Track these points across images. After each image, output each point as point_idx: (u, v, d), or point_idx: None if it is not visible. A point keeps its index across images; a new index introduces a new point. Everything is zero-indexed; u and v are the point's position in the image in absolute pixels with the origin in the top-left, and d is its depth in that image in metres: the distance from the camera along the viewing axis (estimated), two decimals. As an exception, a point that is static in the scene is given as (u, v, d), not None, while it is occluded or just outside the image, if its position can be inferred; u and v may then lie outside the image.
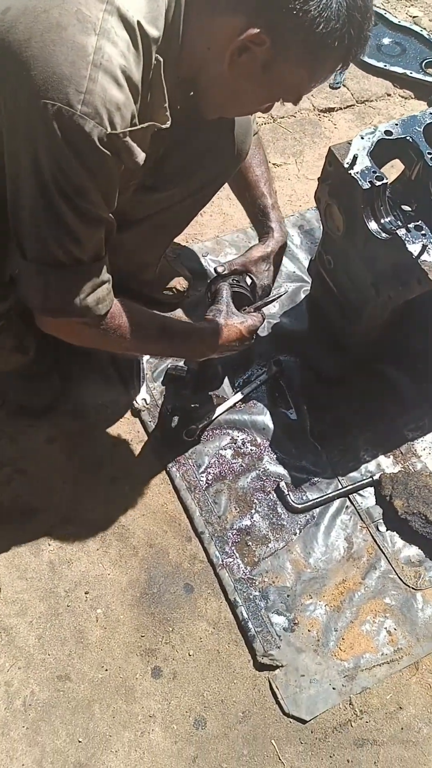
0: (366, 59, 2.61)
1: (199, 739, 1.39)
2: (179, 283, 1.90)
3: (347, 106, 2.51)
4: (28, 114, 1.00)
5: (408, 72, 2.59)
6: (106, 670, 1.45)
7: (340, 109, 2.49)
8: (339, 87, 2.55)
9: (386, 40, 2.71)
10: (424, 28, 2.80)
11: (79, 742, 1.37)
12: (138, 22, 1.03)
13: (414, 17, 2.92)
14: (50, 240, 1.11)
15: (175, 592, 1.55)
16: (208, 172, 1.50)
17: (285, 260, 2.06)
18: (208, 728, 1.40)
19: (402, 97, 2.57)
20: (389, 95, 2.57)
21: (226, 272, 1.65)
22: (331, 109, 2.48)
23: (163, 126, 1.13)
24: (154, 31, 1.07)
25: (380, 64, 2.60)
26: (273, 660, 1.46)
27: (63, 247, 1.12)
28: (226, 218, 2.14)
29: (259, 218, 1.75)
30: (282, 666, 1.46)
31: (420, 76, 2.58)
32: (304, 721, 1.41)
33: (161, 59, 1.09)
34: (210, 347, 1.51)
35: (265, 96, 1.22)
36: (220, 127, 1.42)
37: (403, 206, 1.72)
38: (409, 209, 1.71)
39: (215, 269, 1.67)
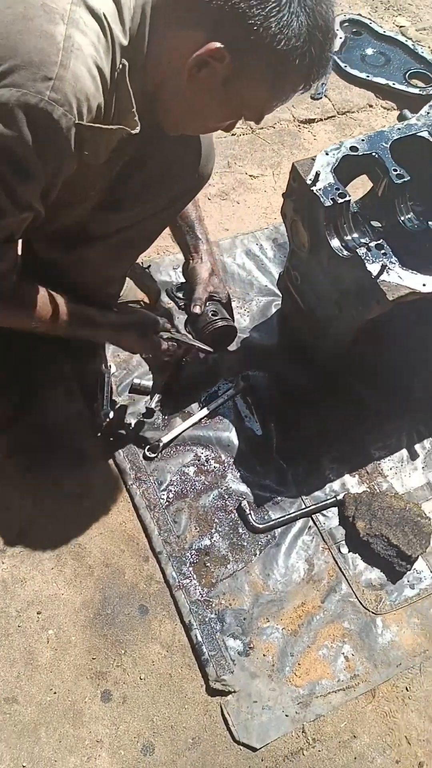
0: (348, 69, 2.59)
1: (146, 765, 1.36)
2: (145, 298, 1.88)
3: (328, 117, 2.48)
4: None
5: (391, 83, 2.56)
6: (55, 692, 1.42)
7: (321, 120, 2.47)
8: (320, 98, 2.52)
9: (370, 51, 2.69)
10: (410, 38, 2.78)
11: (24, 766, 1.34)
12: (105, 16, 1.02)
13: (401, 27, 2.90)
14: None
15: (130, 613, 1.52)
16: (170, 193, 1.48)
17: (257, 273, 2.04)
18: (156, 754, 1.37)
19: (384, 108, 2.55)
20: (371, 106, 2.54)
21: (200, 309, 1.68)
22: (311, 120, 2.46)
23: (133, 132, 1.11)
24: (121, 34, 1.06)
25: (363, 75, 2.58)
26: (225, 685, 1.43)
27: None
28: (199, 230, 2.11)
29: (185, 230, 1.76)
30: (234, 692, 1.43)
31: (403, 87, 2.56)
32: (254, 749, 1.38)
33: (126, 63, 1.07)
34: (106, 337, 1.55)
35: (225, 113, 1.20)
36: (181, 146, 1.40)
37: (372, 222, 1.69)
38: (379, 225, 1.69)
39: (192, 308, 1.69)
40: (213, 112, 1.19)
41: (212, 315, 1.71)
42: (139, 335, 1.55)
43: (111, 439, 1.71)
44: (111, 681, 1.44)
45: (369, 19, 2.79)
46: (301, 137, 2.40)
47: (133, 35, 1.07)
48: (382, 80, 2.57)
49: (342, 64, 2.60)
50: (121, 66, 1.07)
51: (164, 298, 1.95)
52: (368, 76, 2.58)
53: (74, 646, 1.47)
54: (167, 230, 1.75)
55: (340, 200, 1.46)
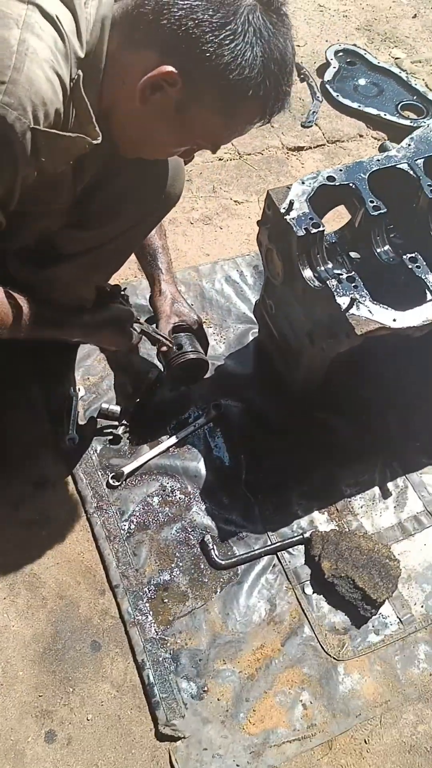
0: (340, 99, 2.58)
1: None
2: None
3: (317, 146, 2.47)
4: None
5: (382, 114, 2.55)
6: (-3, 731, 1.36)
7: (310, 148, 2.45)
8: (311, 126, 2.51)
9: (363, 81, 2.68)
10: (404, 70, 2.78)
11: None
12: (62, 24, 1.00)
13: (396, 59, 2.90)
14: None
15: (81, 649, 1.46)
16: (135, 213, 1.46)
17: (236, 300, 2.01)
18: (98, 803, 1.31)
19: (375, 138, 2.53)
20: (362, 136, 2.53)
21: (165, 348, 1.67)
22: (300, 148, 2.44)
23: (94, 142, 1.08)
24: (78, 46, 1.03)
25: (354, 105, 2.57)
26: (175, 730, 1.36)
27: None
28: (180, 254, 2.09)
29: (148, 259, 1.76)
30: (184, 737, 1.36)
31: (394, 118, 2.54)
32: (201, 801, 1.31)
33: (81, 74, 1.04)
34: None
35: (179, 139, 1.17)
36: (147, 166, 1.37)
37: (351, 253, 1.66)
38: (358, 256, 1.66)
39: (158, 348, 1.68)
40: (165, 137, 1.16)
41: (177, 349, 1.68)
42: (116, 330, 1.51)
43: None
44: (57, 720, 1.38)
45: (364, 49, 2.79)
46: (288, 164, 2.39)
47: (90, 50, 1.05)
48: (373, 110, 2.56)
49: (334, 94, 2.59)
50: (76, 76, 1.04)
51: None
52: (360, 106, 2.57)
53: (21, 682, 1.41)
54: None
55: (314, 230, 1.43)
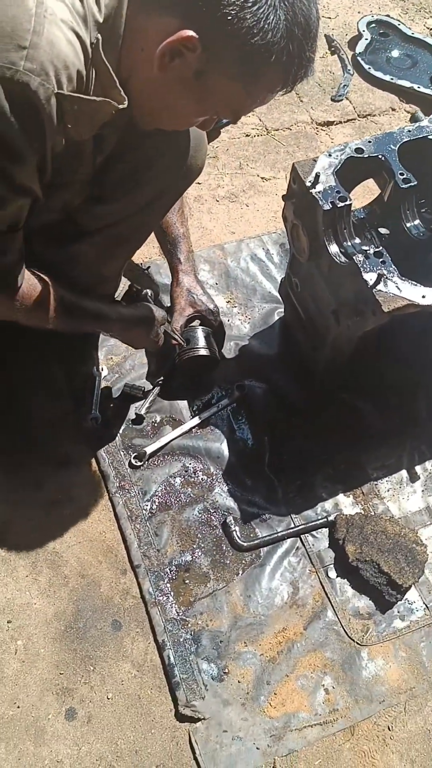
0: (372, 71, 2.50)
1: (107, 792, 1.30)
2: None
3: (347, 120, 2.39)
4: None
5: (416, 86, 2.46)
6: (18, 707, 1.36)
7: (340, 123, 2.38)
8: (341, 99, 2.44)
9: (396, 53, 2.59)
10: (440, 41, 2.67)
11: (-21, 784, 1.29)
12: None
13: (431, 29, 2.79)
14: None
15: (102, 628, 1.45)
16: (154, 186, 1.42)
17: (261, 279, 1.97)
18: (118, 781, 1.31)
19: (407, 112, 2.45)
20: (394, 110, 2.45)
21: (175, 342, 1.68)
22: (329, 123, 2.37)
23: (120, 106, 1.05)
24: (96, 10, 1.00)
25: (387, 77, 2.49)
26: (195, 711, 1.36)
27: None
28: (205, 232, 2.05)
29: (168, 248, 1.75)
30: (204, 719, 1.35)
31: (428, 90, 2.46)
32: (221, 783, 1.30)
33: (100, 37, 1.01)
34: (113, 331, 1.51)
35: (198, 109, 1.13)
36: (167, 139, 1.34)
37: (380, 229, 1.61)
38: (387, 232, 1.60)
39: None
40: (185, 106, 1.12)
41: (186, 344, 1.69)
42: (147, 330, 1.52)
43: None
44: (77, 698, 1.38)
45: (398, 20, 2.70)
46: (318, 140, 2.32)
47: (108, 13, 1.01)
48: (406, 83, 2.47)
49: (366, 66, 2.51)
50: (95, 40, 1.01)
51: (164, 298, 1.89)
52: (392, 79, 2.48)
53: (42, 659, 1.41)
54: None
55: (340, 204, 1.38)
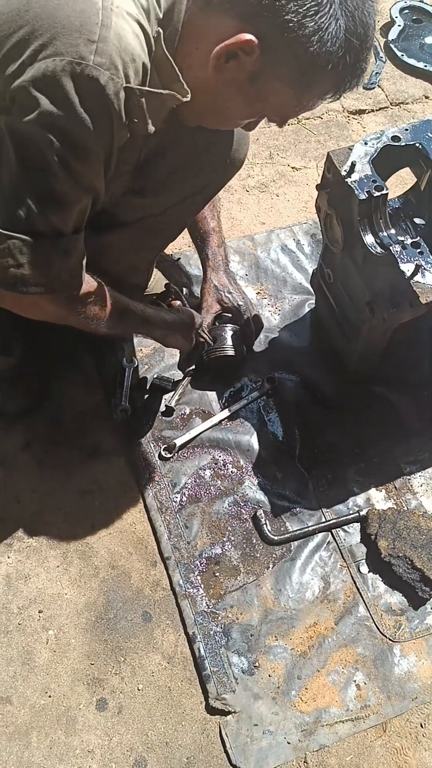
0: (405, 59, 2.45)
1: (137, 782, 1.30)
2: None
3: (380, 108, 2.35)
4: (32, 75, 0.92)
5: (450, 73, 2.41)
6: (50, 696, 1.37)
7: (372, 111, 2.34)
8: (373, 87, 2.39)
9: (430, 39, 2.53)
10: (475, 27, 2.60)
11: (11, 771, 1.30)
12: None
13: (466, 15, 2.72)
14: (32, 206, 1.02)
15: (132, 619, 1.45)
16: (198, 180, 1.41)
17: (292, 270, 1.95)
18: (148, 772, 1.31)
19: (441, 100, 2.40)
20: (427, 98, 2.39)
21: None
22: (361, 111, 2.33)
23: (184, 99, 1.05)
24: (156, 4, 1.00)
25: (420, 65, 2.43)
26: (226, 704, 1.35)
27: (45, 215, 1.03)
28: (234, 223, 2.03)
29: (198, 243, 1.75)
30: (235, 712, 1.35)
31: (463, 77, 2.40)
32: (251, 776, 1.30)
33: (161, 31, 1.01)
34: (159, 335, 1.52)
35: (247, 111, 1.13)
36: (212, 133, 1.32)
37: (416, 219, 1.58)
38: (423, 222, 1.57)
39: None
40: (234, 108, 1.11)
41: (213, 342, 1.69)
42: (185, 335, 1.54)
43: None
44: (108, 689, 1.38)
45: (429, 4, 2.64)
46: (349, 129, 2.29)
47: (168, 8, 1.01)
48: (441, 70, 2.42)
49: (399, 53, 2.46)
50: (156, 34, 1.00)
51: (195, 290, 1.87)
52: (426, 66, 2.43)
53: (73, 650, 1.42)
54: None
55: (377, 193, 1.35)
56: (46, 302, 1.17)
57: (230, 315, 1.74)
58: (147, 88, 0.99)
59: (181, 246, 1.94)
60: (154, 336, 1.52)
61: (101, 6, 0.92)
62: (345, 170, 1.38)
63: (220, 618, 1.45)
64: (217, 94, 1.07)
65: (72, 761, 1.31)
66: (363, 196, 1.35)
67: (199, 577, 1.49)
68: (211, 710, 1.36)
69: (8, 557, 1.51)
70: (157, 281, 1.76)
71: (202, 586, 1.48)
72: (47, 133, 0.95)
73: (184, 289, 1.81)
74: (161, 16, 1.01)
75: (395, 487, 1.62)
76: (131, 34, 0.95)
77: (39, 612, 1.46)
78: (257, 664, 1.40)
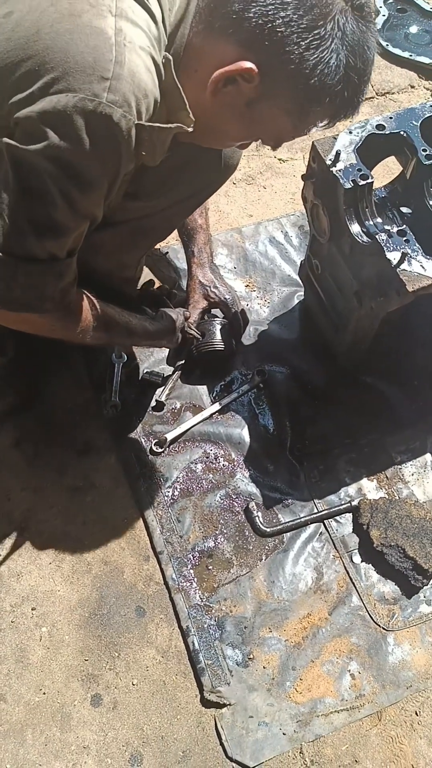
0: (390, 48, 2.44)
1: (133, 777, 1.30)
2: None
3: (366, 99, 2.31)
4: (42, 108, 0.91)
5: (436, 62, 2.40)
6: (44, 693, 1.37)
7: (358, 101, 2.33)
8: (359, 78, 2.38)
9: (415, 29, 2.53)
10: (459, 16, 2.60)
11: (7, 768, 1.30)
12: (149, 4, 0.97)
13: (451, 4, 2.72)
14: (29, 233, 1.02)
15: (126, 614, 1.45)
16: (192, 185, 1.41)
17: (280, 262, 1.94)
18: (144, 766, 1.31)
19: (427, 89, 2.39)
20: (413, 87, 2.39)
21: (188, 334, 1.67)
22: (347, 102, 2.32)
23: (189, 129, 1.05)
24: (163, 28, 1.00)
25: (405, 54, 2.43)
26: (220, 697, 1.35)
27: (42, 243, 1.03)
28: (222, 216, 2.02)
29: (184, 239, 1.75)
30: (230, 704, 1.35)
31: (448, 66, 2.39)
32: (247, 767, 1.30)
33: (171, 57, 1.00)
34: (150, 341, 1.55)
35: (243, 133, 1.13)
36: None
37: (402, 208, 1.57)
38: (409, 211, 1.57)
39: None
40: (229, 131, 1.12)
41: (202, 337, 1.69)
42: (171, 336, 1.55)
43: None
44: (102, 685, 1.38)
45: (416, -6, 2.63)
46: (335, 119, 2.27)
47: (171, 32, 1.01)
48: (426, 59, 2.41)
49: (384, 43, 2.46)
50: (164, 60, 1.00)
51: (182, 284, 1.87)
52: (411, 56, 2.43)
53: (67, 646, 1.42)
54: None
55: (362, 182, 1.35)
56: (35, 318, 1.17)
57: (217, 310, 1.74)
58: (158, 125, 0.99)
59: (169, 240, 1.93)
60: (141, 345, 1.53)
61: (114, 42, 0.91)
62: (330, 159, 1.38)
63: (213, 611, 1.44)
64: (213, 116, 1.07)
65: (68, 757, 1.31)
66: (348, 185, 1.35)
67: (192, 571, 1.49)
68: (206, 703, 1.36)
69: (0, 555, 1.51)
70: (145, 274, 1.76)
71: (196, 579, 1.48)
72: (52, 166, 0.95)
73: (173, 291, 1.80)
74: (167, 41, 1.01)
75: (386, 477, 1.62)
76: (144, 69, 0.94)
77: (32, 609, 1.45)
78: (251, 656, 1.40)
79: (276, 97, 1.01)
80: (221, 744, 1.32)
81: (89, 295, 1.28)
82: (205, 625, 1.43)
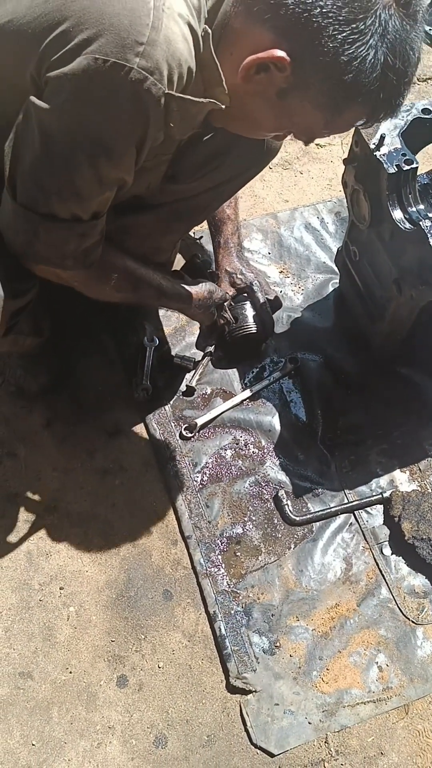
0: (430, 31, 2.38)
1: (158, 758, 1.30)
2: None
3: (407, 84, 2.29)
4: (72, 69, 0.91)
5: None
6: (71, 672, 1.38)
7: (398, 86, 2.28)
8: (400, 62, 2.33)
9: (459, 12, 2.46)
10: None
11: (33, 745, 1.31)
12: None
13: None
14: (52, 193, 1.02)
15: (153, 597, 1.45)
16: (232, 168, 1.39)
17: (315, 249, 1.92)
18: (169, 748, 1.31)
19: (470, 75, 2.34)
20: (456, 73, 2.34)
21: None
22: (387, 87, 2.27)
23: (223, 106, 1.03)
24: (204, 2, 0.98)
25: (449, 39, 2.37)
26: (246, 683, 1.35)
27: (64, 203, 1.03)
28: (257, 201, 2.00)
29: (212, 230, 1.73)
30: (255, 691, 1.34)
31: None
32: (272, 755, 1.29)
33: (210, 31, 0.98)
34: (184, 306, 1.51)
35: (273, 125, 1.10)
36: None
37: (445, 195, 1.53)
38: (452, 199, 1.53)
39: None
40: (260, 120, 1.09)
41: (235, 321, 1.68)
42: (205, 306, 1.53)
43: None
44: (128, 666, 1.38)
45: (461, -23, 2.56)
46: (375, 105, 2.23)
47: (211, 7, 0.98)
48: (470, 44, 2.35)
49: (426, 27, 2.39)
50: (203, 32, 0.97)
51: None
52: (455, 40, 2.37)
53: (94, 626, 1.42)
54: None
55: (406, 167, 1.32)
56: (59, 271, 1.18)
57: (246, 293, 1.71)
58: (189, 98, 0.97)
59: (203, 225, 1.91)
60: (171, 308, 1.51)
61: (152, 6, 0.89)
62: (374, 143, 1.35)
63: (241, 597, 1.44)
64: (244, 104, 1.05)
65: (93, 736, 1.32)
66: (392, 170, 1.32)
67: (220, 557, 1.48)
68: (232, 689, 1.35)
69: (29, 534, 1.51)
70: (178, 260, 1.75)
71: (223, 565, 1.47)
72: (79, 130, 0.94)
73: (207, 268, 1.79)
74: (207, 15, 0.98)
75: (419, 469, 1.59)
76: (181, 37, 0.92)
77: (60, 589, 1.46)
78: (278, 644, 1.39)
79: (307, 90, 0.98)
80: (246, 730, 1.32)
81: (120, 253, 1.26)
82: (232, 611, 1.42)
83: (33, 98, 0.96)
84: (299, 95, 0.99)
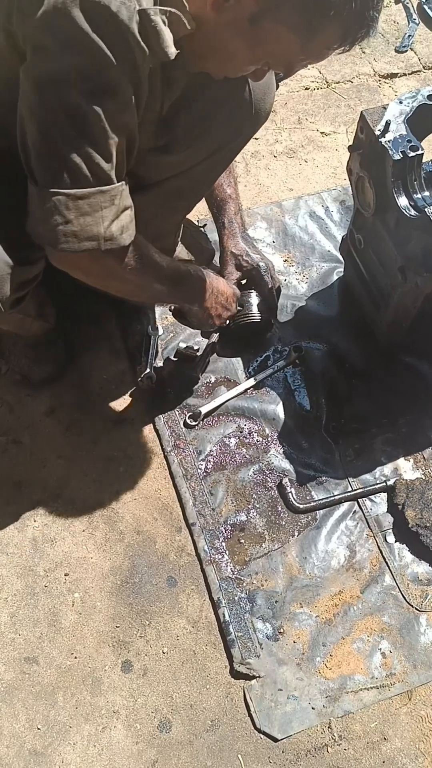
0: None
1: (162, 743, 1.31)
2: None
3: (412, 72, 2.28)
4: (42, 9, 0.90)
5: None
6: (76, 657, 1.39)
7: (404, 75, 2.27)
8: (405, 50, 2.32)
9: (465, -1, 2.44)
10: None
11: (38, 729, 1.32)
12: None
13: None
14: (67, 156, 1.00)
15: (157, 584, 1.46)
16: (223, 133, 1.37)
17: (320, 237, 1.91)
18: (173, 733, 1.32)
19: None
20: (462, 60, 2.32)
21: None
22: (393, 75, 2.27)
23: (189, 26, 1.00)
24: None
25: (455, 25, 2.35)
26: (250, 669, 1.35)
27: (87, 161, 1.00)
28: (262, 189, 1.99)
29: (214, 211, 1.69)
30: (259, 677, 1.35)
31: None
32: (275, 739, 1.30)
33: None
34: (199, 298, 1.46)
35: (249, 56, 1.07)
36: (233, 83, 1.28)
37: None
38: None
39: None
40: (235, 53, 1.06)
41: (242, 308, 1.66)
42: (226, 306, 1.52)
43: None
44: (133, 651, 1.39)
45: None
46: (380, 93, 2.22)
47: None
48: None
49: (431, 13, 2.38)
50: None
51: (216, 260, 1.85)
52: (461, 27, 2.35)
53: (99, 612, 1.43)
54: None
55: (411, 154, 1.31)
56: (91, 261, 1.14)
57: (252, 277, 1.70)
58: (159, 7, 0.95)
59: (206, 213, 1.90)
60: (183, 299, 1.49)
61: None
62: (379, 130, 1.34)
63: (244, 584, 1.44)
64: (217, 35, 1.03)
65: (97, 721, 1.33)
66: (397, 157, 1.31)
67: (223, 544, 1.49)
68: (236, 674, 1.36)
69: (34, 521, 1.52)
70: (180, 249, 1.74)
71: (227, 552, 1.48)
72: (67, 72, 0.93)
73: (212, 257, 1.78)
74: None
75: (424, 457, 1.60)
76: None
77: (65, 575, 1.47)
78: (282, 631, 1.40)
79: (279, 10, 0.96)
80: (249, 715, 1.33)
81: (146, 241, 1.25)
82: (236, 598, 1.43)
83: (22, 68, 0.95)
84: (271, 18, 0.98)
